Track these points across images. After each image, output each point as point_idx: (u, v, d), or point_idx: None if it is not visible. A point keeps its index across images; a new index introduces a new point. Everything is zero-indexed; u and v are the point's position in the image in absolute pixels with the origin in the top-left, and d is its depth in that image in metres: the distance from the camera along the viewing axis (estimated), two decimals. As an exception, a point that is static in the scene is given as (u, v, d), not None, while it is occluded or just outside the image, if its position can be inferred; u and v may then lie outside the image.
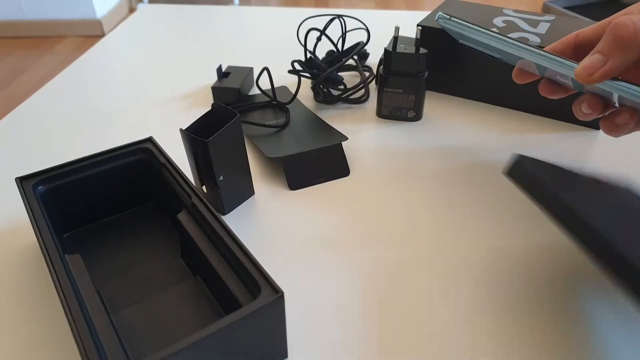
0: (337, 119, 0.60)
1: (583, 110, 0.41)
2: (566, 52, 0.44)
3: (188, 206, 0.39)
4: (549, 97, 0.46)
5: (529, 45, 0.41)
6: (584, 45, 0.43)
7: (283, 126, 0.55)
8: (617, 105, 0.40)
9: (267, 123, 0.56)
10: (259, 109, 0.60)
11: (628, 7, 0.40)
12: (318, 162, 0.50)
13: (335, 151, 0.51)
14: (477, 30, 0.44)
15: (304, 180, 0.50)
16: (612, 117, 0.41)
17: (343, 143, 0.52)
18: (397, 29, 0.55)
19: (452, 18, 0.46)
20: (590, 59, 0.36)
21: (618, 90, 0.35)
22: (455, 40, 0.60)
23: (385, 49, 0.56)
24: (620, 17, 0.35)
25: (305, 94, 0.65)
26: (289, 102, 0.59)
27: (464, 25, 0.45)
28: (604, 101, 0.41)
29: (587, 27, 0.43)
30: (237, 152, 0.44)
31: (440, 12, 0.47)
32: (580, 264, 0.41)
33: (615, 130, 0.40)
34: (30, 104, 0.65)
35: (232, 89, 0.61)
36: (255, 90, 0.66)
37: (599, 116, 0.42)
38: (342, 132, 0.55)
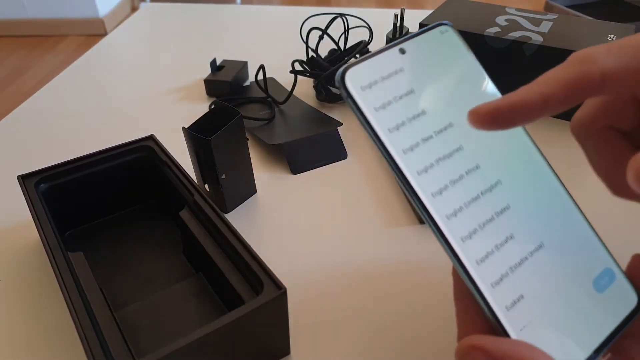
0: (339, 116, 0.60)
1: None
2: None
3: (190, 204, 0.39)
4: None
5: None
6: None
7: (270, 119, 0.58)
8: None
9: (257, 116, 0.59)
10: (252, 102, 0.62)
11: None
12: (317, 147, 0.53)
13: (332, 136, 0.54)
14: None
15: (305, 165, 0.52)
16: None
17: (340, 130, 0.56)
18: (396, 16, 0.55)
19: None
20: None
21: None
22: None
23: (387, 37, 0.57)
24: None
25: (307, 92, 0.65)
26: (284, 102, 0.60)
27: None
28: None
29: None
30: (239, 151, 0.45)
31: None
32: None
33: None
34: (32, 103, 0.65)
35: (224, 82, 0.63)
36: (248, 83, 0.68)
37: None
38: (344, 128, 0.56)
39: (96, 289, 0.32)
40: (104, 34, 2.64)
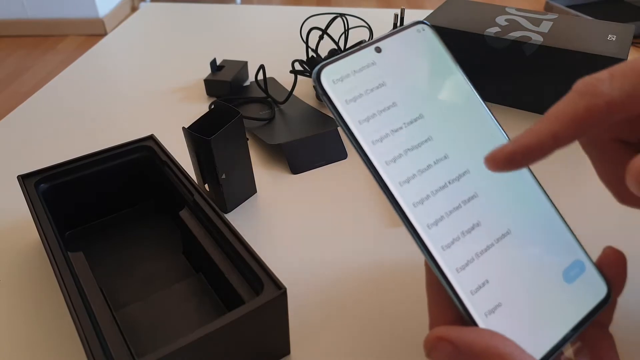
0: (339, 117, 0.60)
1: None
2: None
3: (190, 203, 0.39)
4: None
5: None
6: None
7: (270, 119, 0.58)
8: None
9: (257, 116, 0.58)
10: (252, 102, 0.62)
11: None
12: (317, 147, 0.53)
13: (332, 136, 0.54)
14: None
15: (305, 165, 0.52)
16: None
17: (340, 129, 0.55)
18: (396, 16, 0.55)
19: None
20: None
21: None
22: (453, 41, 0.60)
23: None
24: None
25: (307, 92, 0.65)
26: (284, 102, 0.60)
27: None
28: None
29: None
30: (239, 151, 0.45)
31: None
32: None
33: None
34: (32, 103, 0.65)
35: (224, 82, 0.63)
36: (248, 83, 0.68)
37: None
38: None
39: (96, 289, 0.32)
40: (104, 34, 2.64)
